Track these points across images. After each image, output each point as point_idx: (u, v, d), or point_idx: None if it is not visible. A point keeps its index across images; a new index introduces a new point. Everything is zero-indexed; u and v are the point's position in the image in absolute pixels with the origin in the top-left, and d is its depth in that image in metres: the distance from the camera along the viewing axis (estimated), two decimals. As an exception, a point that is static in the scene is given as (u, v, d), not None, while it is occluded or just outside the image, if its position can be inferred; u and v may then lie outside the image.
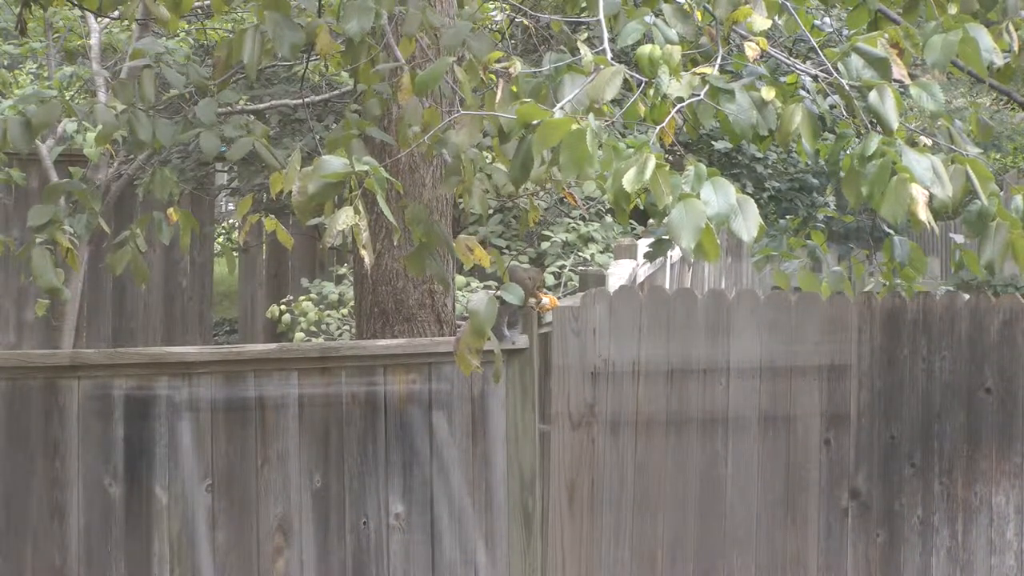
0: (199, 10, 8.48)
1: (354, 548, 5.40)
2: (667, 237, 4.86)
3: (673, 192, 3.17)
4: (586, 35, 7.38)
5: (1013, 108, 17.91)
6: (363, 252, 3.54)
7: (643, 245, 8.43)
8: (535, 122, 3.29)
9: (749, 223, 3.25)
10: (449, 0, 6.13)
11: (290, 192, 3.70)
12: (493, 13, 7.49)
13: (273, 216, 4.91)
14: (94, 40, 8.34)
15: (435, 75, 3.88)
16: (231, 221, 15.31)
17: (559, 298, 6.18)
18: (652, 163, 3.17)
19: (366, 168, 3.54)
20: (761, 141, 3.74)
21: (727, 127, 3.65)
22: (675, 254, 9.65)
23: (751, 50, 3.68)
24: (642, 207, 3.52)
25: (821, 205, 13.34)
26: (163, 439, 5.24)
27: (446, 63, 3.92)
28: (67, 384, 5.17)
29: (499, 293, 3.96)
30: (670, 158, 4.00)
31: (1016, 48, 4.30)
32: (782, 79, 4.03)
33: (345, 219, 3.50)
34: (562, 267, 10.31)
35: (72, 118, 6.83)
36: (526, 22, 6.07)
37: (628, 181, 3.16)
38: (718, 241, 3.24)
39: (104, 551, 5.20)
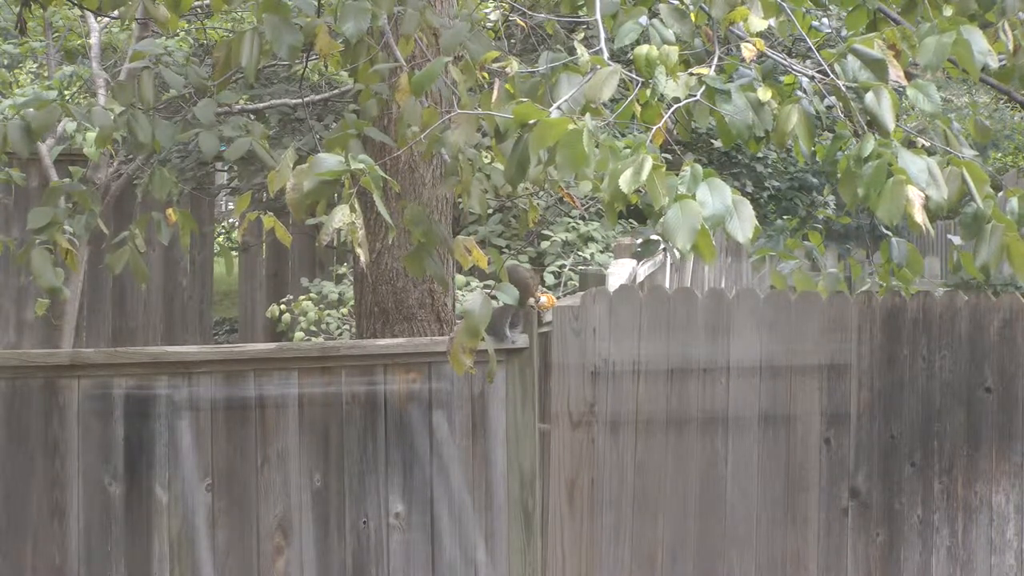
0: (199, 9, 8.48)
1: (354, 547, 5.40)
2: (656, 237, 4.87)
3: (669, 193, 3.17)
4: (583, 35, 7.39)
5: (1013, 107, 17.89)
6: (359, 251, 3.54)
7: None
8: (532, 122, 3.29)
9: (744, 224, 3.25)
10: (449, 0, 6.13)
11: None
12: (488, 12, 7.49)
13: (271, 214, 4.91)
14: (94, 40, 8.34)
15: (431, 75, 3.88)
16: (231, 220, 15.32)
17: (558, 298, 6.19)
18: (649, 164, 3.17)
19: (362, 166, 3.54)
20: (757, 142, 3.74)
21: (723, 128, 3.65)
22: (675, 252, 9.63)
23: (748, 51, 3.68)
24: (640, 207, 3.52)
25: (821, 205, 13.34)
26: (163, 438, 5.24)
27: (442, 63, 3.92)
28: (67, 384, 5.18)
29: (493, 293, 3.96)
30: (669, 157, 4.00)
31: (1011, 48, 4.30)
32: (780, 79, 4.03)
33: (341, 218, 3.50)
34: (562, 267, 10.31)
35: (71, 119, 6.84)
36: (520, 21, 6.06)
37: (624, 182, 3.16)
38: (714, 242, 3.24)
39: (104, 551, 5.21)
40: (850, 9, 4.53)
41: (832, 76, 3.70)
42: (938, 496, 6.11)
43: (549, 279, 10.20)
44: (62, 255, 5.10)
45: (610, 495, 5.91)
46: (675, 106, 3.55)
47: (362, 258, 3.56)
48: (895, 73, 3.61)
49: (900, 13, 4.59)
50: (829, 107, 3.94)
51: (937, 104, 3.63)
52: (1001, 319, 6.17)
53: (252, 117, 6.84)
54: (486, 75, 4.03)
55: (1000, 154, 18.16)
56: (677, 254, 3.15)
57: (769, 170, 13.08)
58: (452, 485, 5.47)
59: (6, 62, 12.60)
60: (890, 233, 5.15)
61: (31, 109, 4.80)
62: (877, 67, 3.60)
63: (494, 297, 3.93)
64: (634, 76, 3.62)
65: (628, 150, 3.24)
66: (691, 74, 3.58)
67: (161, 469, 5.24)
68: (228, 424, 5.30)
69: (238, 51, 4.28)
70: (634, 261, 8.27)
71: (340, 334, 9.82)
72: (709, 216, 3.21)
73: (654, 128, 3.47)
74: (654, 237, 4.90)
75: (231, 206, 15.56)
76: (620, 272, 7.83)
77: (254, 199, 9.02)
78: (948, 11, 4.34)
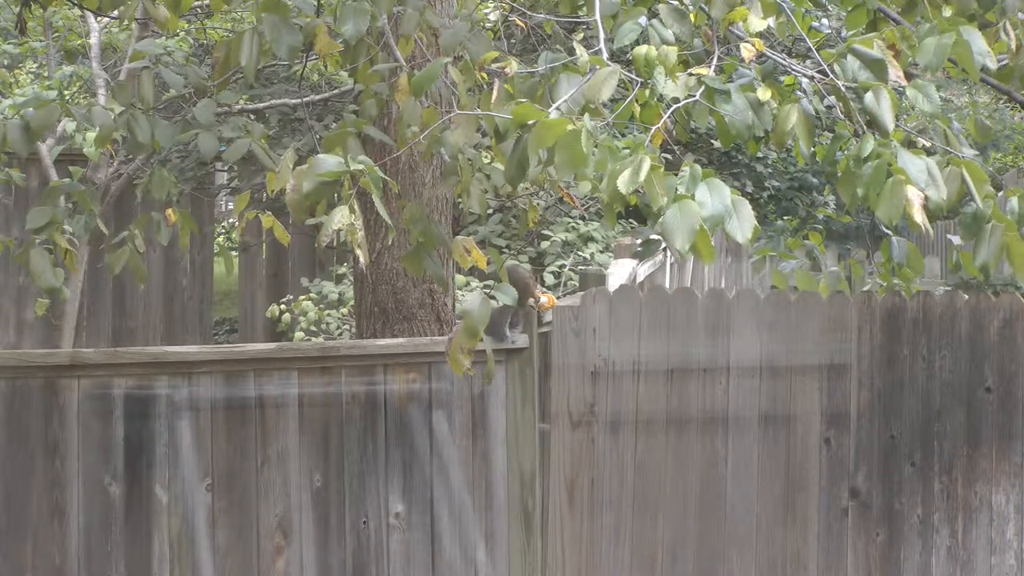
0: (199, 9, 8.49)
1: (354, 547, 5.40)
2: (657, 236, 4.87)
3: (668, 193, 3.17)
4: (582, 35, 7.39)
5: (1013, 107, 17.88)
6: (358, 252, 3.54)
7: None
8: (531, 122, 3.29)
9: (744, 224, 3.25)
10: (449, 0, 6.13)
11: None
12: (488, 12, 7.49)
13: (270, 213, 4.92)
14: (94, 39, 8.35)
15: (430, 75, 3.88)
16: (231, 220, 15.32)
17: (558, 298, 6.18)
18: (647, 165, 3.17)
19: (361, 167, 3.54)
20: (757, 142, 3.74)
21: (722, 128, 3.65)
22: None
23: (747, 51, 3.68)
24: (640, 207, 3.52)
25: (821, 205, 13.34)
26: (163, 438, 5.24)
27: (441, 63, 3.92)
28: (67, 384, 5.18)
29: (492, 293, 3.96)
30: (668, 157, 4.01)
31: (1013, 47, 4.30)
32: (780, 79, 4.02)
33: (340, 218, 3.50)
34: (562, 266, 10.31)
35: (71, 119, 6.85)
36: (519, 22, 6.06)
37: (623, 183, 3.16)
38: (713, 242, 3.25)
39: (104, 551, 5.21)
40: (850, 9, 4.52)
41: (832, 76, 3.69)
42: (938, 496, 6.11)
43: (549, 279, 10.20)
44: (62, 255, 5.10)
45: (610, 495, 5.91)
46: (674, 107, 3.54)
47: (361, 259, 3.56)
48: (894, 73, 3.61)
49: (900, 13, 4.59)
50: (829, 107, 3.94)
51: (937, 104, 3.63)
52: (1001, 319, 6.17)
53: (252, 117, 6.84)
54: (484, 76, 4.03)
55: (1000, 154, 18.16)
56: (675, 254, 3.15)
57: (769, 170, 13.08)
58: (452, 485, 5.47)
59: (6, 62, 12.60)
60: (890, 232, 5.15)
61: (31, 109, 4.80)
62: (877, 67, 3.60)
63: (493, 297, 3.93)
64: (633, 76, 3.62)
65: (627, 151, 3.24)
66: (690, 74, 3.58)
67: (161, 469, 5.24)
68: (228, 424, 5.30)
69: (237, 51, 4.28)
70: (634, 261, 8.26)
71: (340, 334, 9.83)
72: (708, 216, 3.21)
73: (653, 129, 3.47)
74: (655, 237, 4.90)
75: (231, 206, 15.56)
76: (620, 272, 7.83)
77: (255, 199, 9.03)
78: (948, 11, 4.34)
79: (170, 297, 11.29)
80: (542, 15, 5.34)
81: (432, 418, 5.45)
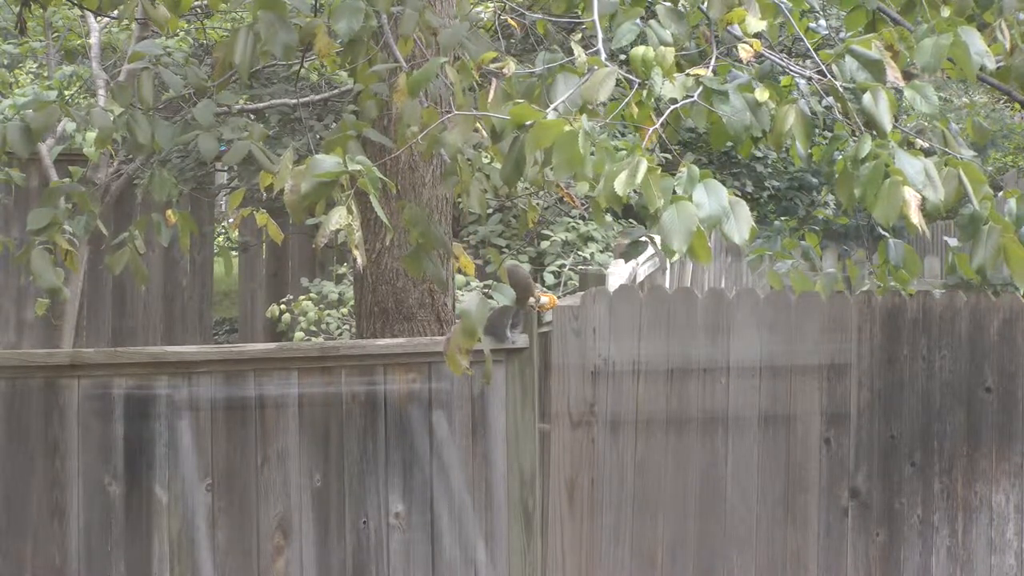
0: (198, 9, 8.49)
1: (354, 547, 5.40)
2: (643, 239, 4.88)
3: (665, 195, 3.17)
4: (580, 35, 7.40)
5: (1013, 107, 17.86)
6: (356, 252, 3.54)
7: (643, 244, 8.39)
8: (529, 123, 3.29)
9: (741, 225, 3.25)
10: (448, 0, 6.13)
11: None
12: (479, 10, 7.48)
13: (265, 211, 4.91)
14: (94, 39, 8.36)
15: (426, 74, 3.88)
16: (230, 220, 15.31)
17: (559, 297, 6.19)
18: (644, 166, 3.17)
19: (359, 167, 3.54)
20: (754, 143, 3.74)
21: (719, 128, 3.65)
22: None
23: (745, 52, 3.68)
24: (637, 207, 3.52)
25: (820, 204, 13.34)
26: (163, 438, 5.24)
27: (437, 63, 3.92)
28: (67, 383, 5.18)
29: (491, 293, 3.96)
30: (668, 156, 4.01)
31: (1008, 47, 4.30)
32: (778, 79, 4.03)
33: (338, 219, 3.51)
34: (562, 266, 10.31)
35: (71, 119, 6.86)
36: (512, 22, 6.06)
37: (620, 184, 3.16)
38: (711, 243, 3.25)
39: (104, 551, 5.21)
40: (849, 10, 4.52)
41: (830, 77, 3.69)
42: (938, 496, 6.11)
43: (549, 279, 10.20)
44: (62, 256, 5.10)
45: (610, 495, 5.91)
46: (672, 107, 3.55)
47: (359, 259, 3.56)
48: (892, 74, 3.61)
49: (899, 13, 4.59)
50: (828, 108, 3.94)
51: (934, 105, 3.63)
52: (1001, 319, 6.17)
53: (252, 117, 6.85)
54: (477, 76, 4.03)
55: (1000, 154, 18.15)
56: (665, 256, 3.15)
57: (769, 170, 13.07)
58: (452, 485, 5.47)
59: (6, 62, 12.60)
60: (887, 234, 5.15)
61: (31, 110, 4.81)
62: (875, 68, 3.60)
63: (491, 297, 3.94)
64: (632, 77, 3.62)
65: (624, 152, 3.24)
66: (688, 75, 3.58)
67: (161, 469, 5.24)
68: (228, 424, 5.30)
69: (232, 49, 4.27)
70: (634, 261, 8.26)
71: (340, 334, 9.83)
72: (705, 217, 3.20)
73: (650, 130, 3.47)
74: (642, 239, 4.90)
75: (231, 206, 15.51)
76: (620, 272, 7.83)
77: (254, 198, 9.03)
78: (946, 12, 4.34)
79: (170, 297, 11.29)
80: (538, 15, 5.34)
81: (432, 418, 5.45)
